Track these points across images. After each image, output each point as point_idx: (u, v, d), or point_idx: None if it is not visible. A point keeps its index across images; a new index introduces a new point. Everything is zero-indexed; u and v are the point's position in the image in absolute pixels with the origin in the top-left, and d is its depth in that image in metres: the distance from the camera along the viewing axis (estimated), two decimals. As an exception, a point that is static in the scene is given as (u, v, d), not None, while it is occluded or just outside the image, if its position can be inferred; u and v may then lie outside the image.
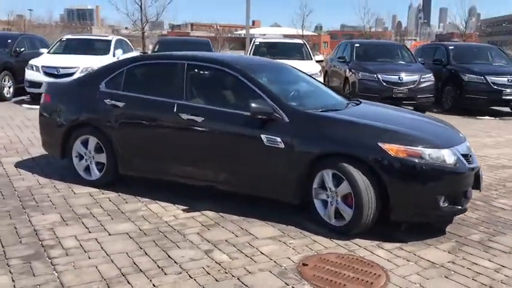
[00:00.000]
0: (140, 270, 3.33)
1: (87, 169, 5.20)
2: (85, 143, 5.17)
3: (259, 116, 4.22)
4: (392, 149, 3.84)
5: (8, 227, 4.01)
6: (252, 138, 4.30)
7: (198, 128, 4.53)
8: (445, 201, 3.90)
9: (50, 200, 4.70)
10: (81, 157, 5.22)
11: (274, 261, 3.53)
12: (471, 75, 11.47)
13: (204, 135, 4.53)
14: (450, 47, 12.92)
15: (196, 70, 4.84)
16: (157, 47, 12.28)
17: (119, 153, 4.94)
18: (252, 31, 52.13)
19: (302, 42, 13.50)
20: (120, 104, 4.92)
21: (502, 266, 3.56)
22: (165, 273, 3.29)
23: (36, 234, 3.88)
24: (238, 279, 3.25)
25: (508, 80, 11.34)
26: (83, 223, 4.16)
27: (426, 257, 3.69)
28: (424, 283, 3.27)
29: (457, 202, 3.99)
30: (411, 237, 4.01)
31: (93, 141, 5.10)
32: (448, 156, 3.92)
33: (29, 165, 5.96)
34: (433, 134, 4.23)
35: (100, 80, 5.17)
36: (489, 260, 3.65)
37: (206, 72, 4.91)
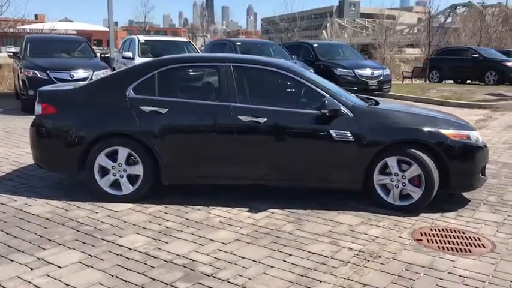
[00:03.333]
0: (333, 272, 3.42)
1: (115, 184, 4.73)
2: (111, 156, 4.69)
3: (328, 114, 4.52)
4: (449, 133, 4.59)
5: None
6: (321, 134, 4.57)
7: (261, 129, 4.59)
8: (480, 172, 4.82)
9: (113, 225, 4.20)
10: (104, 172, 4.72)
11: (393, 240, 3.95)
12: (342, 69, 13.11)
13: (267, 136, 4.61)
14: (315, 45, 14.47)
15: (245, 72, 4.83)
16: (28, 46, 10.83)
17: (163, 163, 4.63)
18: (37, 26, 47.78)
19: (187, 40, 13.46)
20: (163, 111, 4.61)
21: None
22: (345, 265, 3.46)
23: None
24: (393, 259, 3.60)
25: (371, 72, 13.32)
26: (186, 239, 3.91)
27: (484, 217, 4.54)
28: (507, 237, 4.10)
29: (484, 173, 4.94)
30: (453, 207, 4.81)
31: (123, 152, 4.66)
32: (479, 137, 4.83)
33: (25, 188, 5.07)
34: (460, 120, 5.11)
35: (125, 85, 4.73)
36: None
37: (258, 74, 4.91)
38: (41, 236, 3.89)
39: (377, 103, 5.08)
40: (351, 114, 4.60)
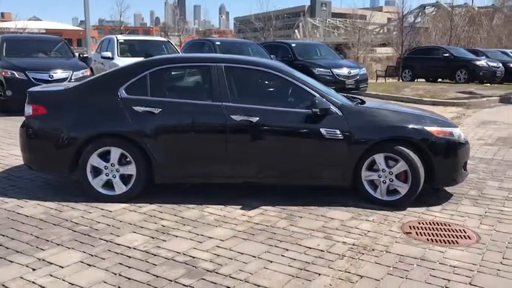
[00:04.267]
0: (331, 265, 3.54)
1: (108, 184, 4.75)
2: (103, 156, 4.71)
3: (319, 112, 4.65)
4: (434, 130, 4.77)
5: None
6: (312, 132, 4.69)
7: (253, 128, 4.68)
8: (463, 167, 5.03)
9: (109, 225, 4.22)
10: (96, 172, 4.73)
11: (384, 234, 4.10)
12: (320, 69, 13.29)
13: (259, 134, 4.71)
14: (293, 45, 14.64)
15: (237, 72, 4.91)
16: (4, 46, 10.62)
17: (156, 163, 4.68)
18: (9, 24, 46.80)
19: (166, 40, 13.42)
20: (156, 111, 4.66)
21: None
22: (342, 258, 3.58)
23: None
24: (386, 251, 3.75)
25: (348, 72, 13.55)
26: (183, 237, 3.97)
27: (467, 210, 4.75)
28: (490, 228, 4.30)
29: (466, 168, 5.15)
30: (437, 201, 5.00)
31: (116, 152, 4.69)
32: (461, 133, 5.04)
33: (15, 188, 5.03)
34: (443, 118, 5.31)
35: (116, 86, 4.76)
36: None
37: (249, 74, 5.01)
38: (37, 237, 3.89)
39: (363, 102, 5.24)
40: (340, 113, 4.74)
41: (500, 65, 19.97)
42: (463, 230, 4.27)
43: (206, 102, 4.74)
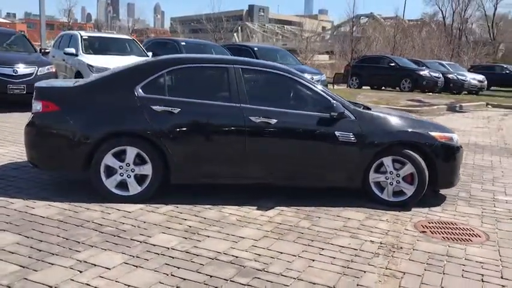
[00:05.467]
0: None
1: (122, 184, 4.64)
2: (117, 156, 4.60)
3: (336, 116, 4.81)
4: (437, 135, 5.09)
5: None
6: (327, 135, 4.85)
7: (271, 130, 4.76)
8: (459, 171, 5.38)
9: (134, 226, 4.13)
10: (109, 171, 4.61)
11: (403, 233, 4.33)
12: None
13: (277, 136, 4.80)
14: (256, 49, 14.76)
15: (253, 74, 4.98)
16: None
17: (173, 163, 4.63)
18: None
19: (131, 38, 13.07)
20: (176, 110, 4.62)
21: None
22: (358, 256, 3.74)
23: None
24: (414, 249, 3.97)
25: (311, 77, 13.82)
26: (216, 237, 3.98)
27: (465, 210, 5.10)
28: (492, 227, 4.65)
29: (459, 172, 5.51)
30: (436, 202, 5.32)
31: (132, 152, 4.59)
32: (457, 138, 5.39)
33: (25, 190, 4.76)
34: (440, 124, 5.65)
35: (133, 84, 4.67)
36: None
37: (265, 77, 5.09)
38: (66, 239, 3.74)
39: (369, 108, 5.46)
40: (352, 117, 4.93)
41: (441, 75, 21.29)
42: (470, 228, 4.59)
43: (225, 104, 4.76)
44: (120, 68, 5.04)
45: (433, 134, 5.09)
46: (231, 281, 3.24)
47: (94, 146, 4.53)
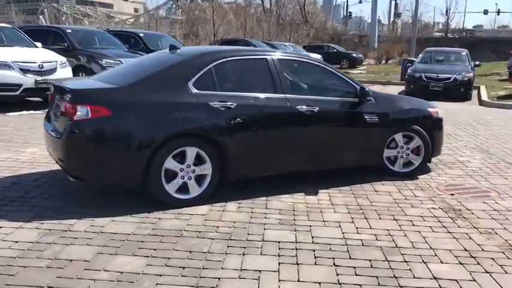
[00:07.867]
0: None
1: (181, 188, 4.38)
2: (176, 158, 4.32)
3: (364, 100, 5.22)
4: (432, 111, 5.86)
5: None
6: (358, 118, 5.22)
7: (315, 118, 4.94)
8: (441, 140, 6.27)
9: (236, 227, 3.98)
10: (168, 176, 4.31)
11: (442, 197, 4.97)
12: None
13: (320, 123, 5.01)
14: (141, 35, 14.04)
15: (289, 65, 5.06)
16: None
17: (232, 159, 4.51)
18: None
19: (8, 25, 11.18)
20: (232, 105, 4.48)
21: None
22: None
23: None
24: (467, 209, 4.62)
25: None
26: (332, 226, 4.08)
27: (454, 173, 5.98)
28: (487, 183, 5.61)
29: (441, 140, 6.38)
30: (427, 169, 6.07)
31: (192, 152, 4.34)
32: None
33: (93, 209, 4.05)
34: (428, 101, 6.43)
35: (184, 81, 4.38)
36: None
37: (299, 67, 5.18)
38: (190, 251, 3.48)
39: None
40: (373, 100, 5.38)
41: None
42: (477, 186, 5.45)
43: (273, 95, 4.76)
44: (165, 65, 4.63)
45: (430, 109, 5.84)
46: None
47: (154, 150, 4.16)
